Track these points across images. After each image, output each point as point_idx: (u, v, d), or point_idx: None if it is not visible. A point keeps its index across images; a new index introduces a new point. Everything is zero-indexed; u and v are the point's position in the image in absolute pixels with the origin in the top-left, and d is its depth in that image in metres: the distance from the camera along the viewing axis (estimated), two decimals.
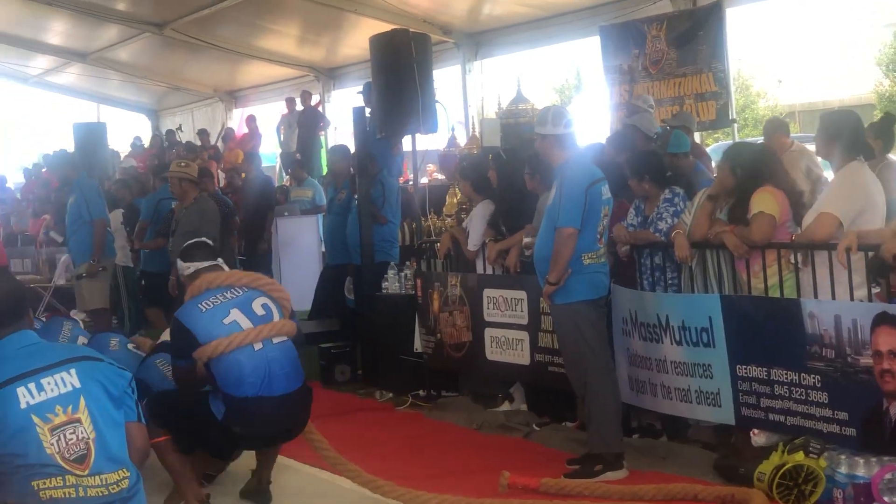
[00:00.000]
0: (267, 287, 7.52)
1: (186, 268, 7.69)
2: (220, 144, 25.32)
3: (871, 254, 7.39)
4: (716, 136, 25.34)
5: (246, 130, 25.14)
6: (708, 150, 15.53)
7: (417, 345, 11.65)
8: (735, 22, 15.33)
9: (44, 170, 25.81)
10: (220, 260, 7.75)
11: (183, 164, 13.62)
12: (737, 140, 14.70)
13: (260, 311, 7.33)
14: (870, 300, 7.45)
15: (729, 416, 8.25)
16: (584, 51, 17.56)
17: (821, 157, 8.90)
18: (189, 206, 13.00)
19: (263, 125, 25.24)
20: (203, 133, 24.88)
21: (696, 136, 13.45)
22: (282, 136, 24.04)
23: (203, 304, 7.26)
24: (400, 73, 12.37)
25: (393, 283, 12.30)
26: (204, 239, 8.25)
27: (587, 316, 8.57)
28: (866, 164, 8.10)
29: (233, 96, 27.16)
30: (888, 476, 6.99)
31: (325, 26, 20.68)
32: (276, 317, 7.37)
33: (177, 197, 13.28)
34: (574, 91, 46.11)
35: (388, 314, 12.22)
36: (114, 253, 15.03)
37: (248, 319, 7.24)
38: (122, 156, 25.14)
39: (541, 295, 9.00)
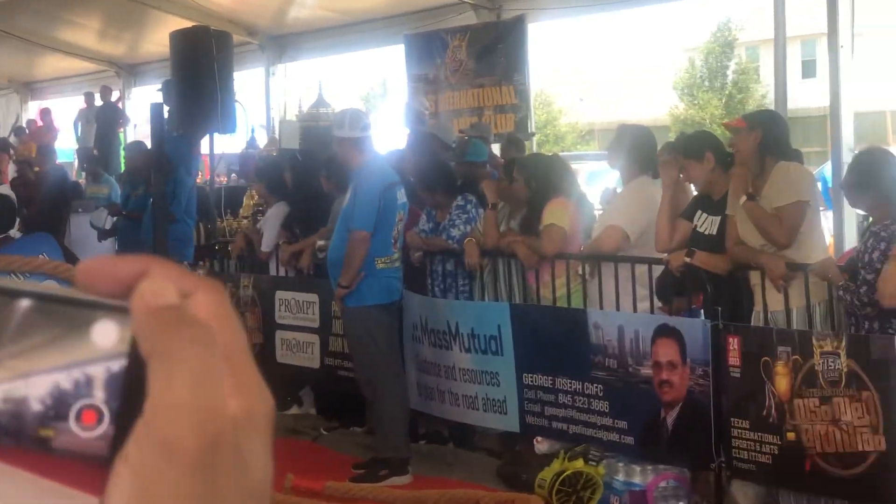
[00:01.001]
0: (52, 271, 7.23)
1: None
2: (12, 138, 24.56)
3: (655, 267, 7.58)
4: None
5: (41, 124, 24.46)
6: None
7: None
8: (540, 39, 15.56)
9: None
10: (15, 226, 7.45)
11: None
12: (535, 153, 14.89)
13: None
14: (652, 312, 7.63)
15: (514, 423, 8.35)
16: (391, 58, 17.56)
17: (612, 167, 9.02)
18: None
19: (60, 119, 24.61)
20: None
21: (495, 148, 13.60)
22: (79, 132, 23.47)
23: None
24: (199, 70, 12.19)
25: None
26: (4, 193, 7.92)
27: (378, 320, 8.57)
28: (655, 181, 8.27)
29: (29, 88, 26.38)
30: (663, 484, 7.17)
31: (127, 21, 20.24)
32: None
33: None
34: (379, 98, 46.24)
35: None
36: None
37: None
38: None
39: (333, 298, 8.97)
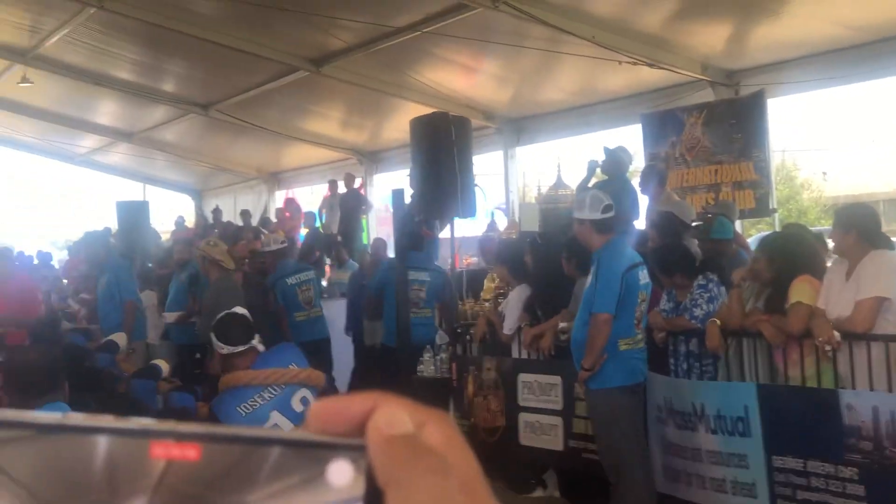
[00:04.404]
0: (304, 380, 7.35)
1: (220, 347, 7.51)
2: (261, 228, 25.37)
3: None
4: (759, 226, 25.31)
5: (287, 213, 25.18)
6: (749, 240, 15.47)
7: None
8: (781, 113, 15.34)
9: None
10: (255, 339, 7.54)
11: (212, 242, 13.66)
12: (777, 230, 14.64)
13: (299, 408, 7.16)
14: None
15: None
16: (627, 138, 17.40)
17: (836, 252, 8.65)
18: (210, 285, 13.03)
19: (305, 207, 25.31)
20: (245, 213, 24.97)
21: (738, 225, 13.43)
22: (323, 218, 24.09)
23: (243, 406, 7.04)
24: (439, 155, 12.37)
25: (429, 367, 12.23)
26: (240, 312, 8.00)
27: (622, 402, 8.50)
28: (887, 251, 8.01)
29: (276, 178, 27.32)
30: None
31: (368, 109, 20.81)
32: None
33: (203, 274, 13.35)
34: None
35: (423, 397, 12.07)
36: (144, 335, 14.76)
37: (288, 419, 7.07)
38: (165, 235, 25.25)
39: (575, 380, 8.95)
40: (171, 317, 14.48)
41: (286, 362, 7.30)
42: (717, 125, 14.78)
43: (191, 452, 0.68)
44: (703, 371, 9.03)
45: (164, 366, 9.81)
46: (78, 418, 0.70)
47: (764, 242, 8.98)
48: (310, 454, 0.68)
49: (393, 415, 0.69)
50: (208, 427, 0.70)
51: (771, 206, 14.56)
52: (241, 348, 7.34)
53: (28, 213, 58.20)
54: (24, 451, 0.68)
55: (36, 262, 24.58)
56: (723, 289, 9.10)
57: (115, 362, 9.57)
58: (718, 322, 8.66)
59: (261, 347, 7.52)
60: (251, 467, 0.68)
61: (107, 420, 0.69)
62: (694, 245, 10.46)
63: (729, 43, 14.27)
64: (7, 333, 13.05)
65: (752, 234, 22.58)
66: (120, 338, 10.32)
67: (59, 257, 30.01)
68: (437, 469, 0.66)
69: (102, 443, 0.68)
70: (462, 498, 0.67)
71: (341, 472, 0.67)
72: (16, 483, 0.67)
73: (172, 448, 0.68)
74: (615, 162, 13.21)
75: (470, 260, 18.79)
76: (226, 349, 7.34)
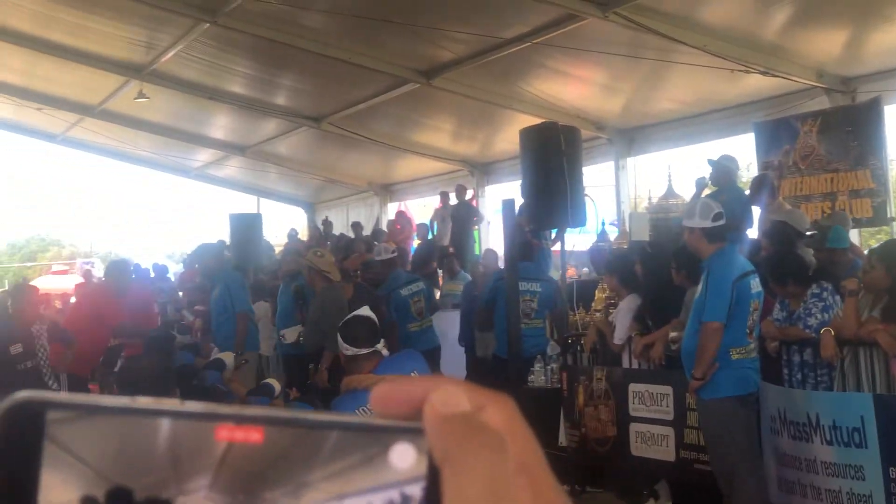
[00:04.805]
0: None
1: (346, 349, 7.51)
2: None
3: None
4: (879, 236, 24.86)
5: (398, 225, 25.29)
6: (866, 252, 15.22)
7: (562, 439, 11.52)
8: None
9: None
10: (381, 343, 7.53)
11: (319, 253, 13.73)
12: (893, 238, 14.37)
13: None
14: None
15: None
16: (739, 147, 17.18)
17: None
18: (316, 296, 13.11)
19: (417, 219, 25.40)
20: (357, 226, 25.09)
21: (855, 234, 13.21)
22: (435, 230, 24.12)
23: (361, 410, 7.04)
24: (549, 166, 12.32)
25: (539, 377, 12.20)
26: (368, 315, 7.96)
27: (735, 412, 8.41)
28: None
29: (387, 190, 27.43)
30: None
31: (479, 121, 20.84)
32: None
33: (309, 285, 13.42)
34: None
35: (533, 407, 12.06)
36: (257, 346, 14.87)
37: None
38: (278, 247, 25.48)
39: (687, 390, 8.86)
40: (290, 337, 14.52)
41: (408, 369, 7.27)
42: (833, 133, 14.55)
43: (255, 435, 0.69)
44: (817, 381, 8.89)
45: (275, 385, 9.90)
46: (145, 402, 0.71)
47: (880, 250, 8.83)
48: (372, 437, 0.69)
49: (449, 394, 0.69)
50: (270, 410, 0.70)
51: (889, 215, 14.29)
52: (365, 351, 7.31)
53: (145, 227, 59.46)
54: (90, 432, 0.69)
55: (152, 274, 24.92)
56: (837, 298, 8.95)
57: (222, 380, 9.68)
58: (833, 331, 8.52)
59: (385, 352, 7.51)
60: (312, 448, 0.69)
61: (173, 403, 0.71)
62: (809, 254, 10.33)
63: (845, 49, 14.07)
64: (125, 344, 13.31)
65: (872, 243, 22.19)
66: (227, 356, 10.41)
67: (174, 270, 30.43)
68: (492, 447, 0.66)
69: (168, 425, 0.69)
70: (518, 479, 0.66)
71: (403, 454, 0.68)
72: (80, 461, 0.68)
73: (237, 431, 0.69)
74: (723, 171, 13.07)
75: (574, 272, 18.67)
76: (351, 351, 7.33)
